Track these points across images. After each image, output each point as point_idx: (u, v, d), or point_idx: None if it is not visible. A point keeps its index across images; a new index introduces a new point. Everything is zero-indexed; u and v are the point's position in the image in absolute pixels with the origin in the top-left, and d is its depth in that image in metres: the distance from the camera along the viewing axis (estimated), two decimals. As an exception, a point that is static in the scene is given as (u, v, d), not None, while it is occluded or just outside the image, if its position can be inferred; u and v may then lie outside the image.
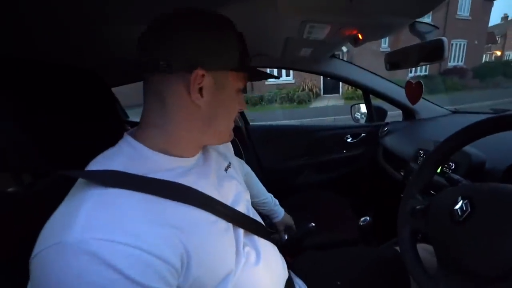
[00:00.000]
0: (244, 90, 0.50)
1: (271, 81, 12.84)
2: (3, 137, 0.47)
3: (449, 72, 13.11)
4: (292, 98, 11.74)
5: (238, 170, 0.65)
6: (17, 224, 0.47)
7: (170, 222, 0.36)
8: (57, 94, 0.57)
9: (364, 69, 1.42)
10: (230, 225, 0.47)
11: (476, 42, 14.61)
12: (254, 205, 0.91)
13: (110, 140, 0.45)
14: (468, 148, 0.76)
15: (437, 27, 0.74)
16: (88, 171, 0.39)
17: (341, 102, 11.00)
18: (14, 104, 0.50)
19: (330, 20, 0.72)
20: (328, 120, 7.34)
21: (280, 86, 12.50)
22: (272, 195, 0.95)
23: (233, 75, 0.45)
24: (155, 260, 0.32)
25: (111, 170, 0.38)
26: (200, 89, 0.41)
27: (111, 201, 0.34)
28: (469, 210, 0.46)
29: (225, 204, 0.48)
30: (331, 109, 9.26)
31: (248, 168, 0.91)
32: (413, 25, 0.73)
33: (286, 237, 0.93)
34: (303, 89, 12.20)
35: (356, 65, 1.42)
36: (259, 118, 7.45)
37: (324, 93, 12.93)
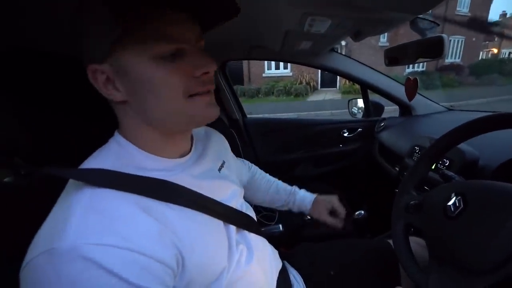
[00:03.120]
0: (177, 53, 0.36)
1: (268, 73, 12.75)
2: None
3: (445, 68, 13.18)
4: (289, 91, 11.70)
5: (234, 168, 0.63)
6: (11, 218, 0.47)
7: (163, 224, 0.36)
8: (56, 86, 0.56)
9: (363, 64, 1.41)
10: (221, 223, 0.46)
11: (474, 39, 14.64)
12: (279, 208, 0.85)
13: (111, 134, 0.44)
14: (462, 146, 0.77)
15: (437, 24, 0.74)
16: (78, 169, 0.38)
17: (338, 96, 11.00)
18: (10, 96, 0.49)
19: (331, 13, 0.71)
20: (325, 114, 7.36)
21: (277, 79, 12.43)
22: (296, 187, 0.85)
23: (131, 46, 0.34)
24: (152, 261, 0.32)
25: (101, 169, 0.37)
26: (114, 83, 0.37)
27: (102, 203, 0.33)
28: (461, 206, 0.47)
29: (217, 201, 0.47)
30: (328, 103, 9.27)
31: (256, 170, 0.85)
32: (414, 21, 0.73)
33: (282, 228, 0.95)
34: (301, 82, 12.16)
35: (354, 60, 1.41)
36: (256, 110, 7.43)
37: (321, 87, 12.91)
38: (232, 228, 0.49)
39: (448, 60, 14.26)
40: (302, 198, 0.81)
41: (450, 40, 14.00)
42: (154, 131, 0.41)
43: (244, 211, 0.56)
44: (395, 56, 0.87)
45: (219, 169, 0.55)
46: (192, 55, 0.37)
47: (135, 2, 0.33)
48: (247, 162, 0.85)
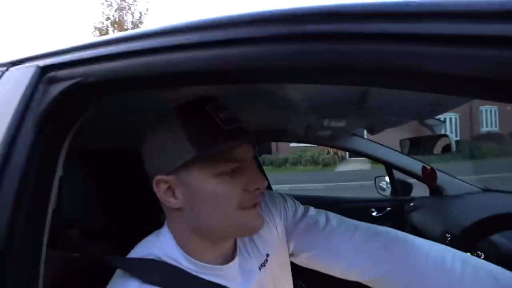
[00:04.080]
0: (236, 170, 0.40)
1: (295, 143, 13.19)
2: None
3: (483, 137, 12.66)
4: (316, 161, 11.77)
5: (282, 260, 0.55)
6: None
7: None
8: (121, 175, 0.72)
9: (384, 145, 1.49)
10: None
11: (508, 108, 14.36)
12: None
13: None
14: (496, 238, 0.75)
15: (443, 121, 0.83)
16: (125, 259, 0.40)
17: (367, 166, 10.72)
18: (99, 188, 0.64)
19: (346, 117, 0.84)
20: (354, 185, 7.12)
21: (304, 149, 12.73)
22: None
23: (198, 164, 0.38)
24: None
25: (149, 261, 0.39)
26: (173, 192, 0.40)
27: None
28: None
29: None
30: (358, 173, 9.04)
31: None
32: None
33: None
34: (328, 152, 12.26)
35: (375, 142, 1.50)
36: (283, 179, 7.46)
37: (349, 157, 12.84)
38: None
39: (484, 129, 13.82)
40: None
41: (482, 110, 13.87)
42: (199, 237, 0.42)
43: None
44: (412, 148, 0.95)
45: (260, 267, 0.49)
46: (247, 171, 0.41)
47: (209, 135, 0.39)
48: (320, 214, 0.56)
